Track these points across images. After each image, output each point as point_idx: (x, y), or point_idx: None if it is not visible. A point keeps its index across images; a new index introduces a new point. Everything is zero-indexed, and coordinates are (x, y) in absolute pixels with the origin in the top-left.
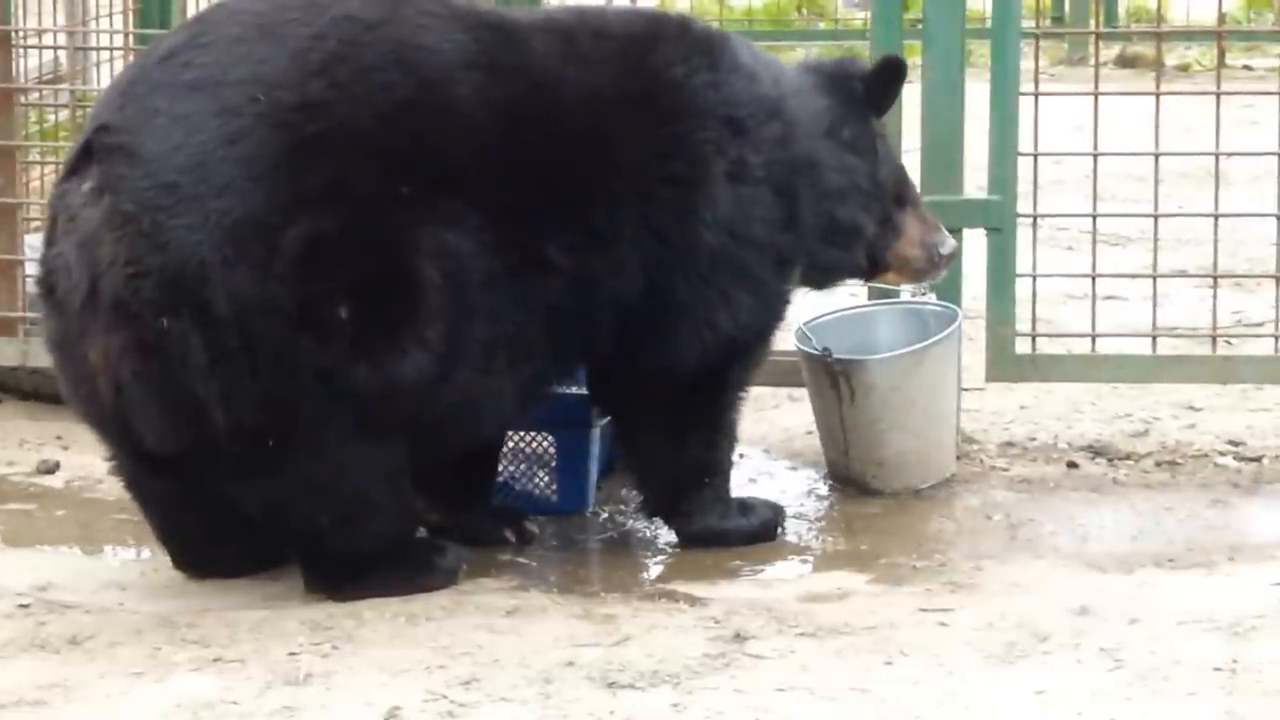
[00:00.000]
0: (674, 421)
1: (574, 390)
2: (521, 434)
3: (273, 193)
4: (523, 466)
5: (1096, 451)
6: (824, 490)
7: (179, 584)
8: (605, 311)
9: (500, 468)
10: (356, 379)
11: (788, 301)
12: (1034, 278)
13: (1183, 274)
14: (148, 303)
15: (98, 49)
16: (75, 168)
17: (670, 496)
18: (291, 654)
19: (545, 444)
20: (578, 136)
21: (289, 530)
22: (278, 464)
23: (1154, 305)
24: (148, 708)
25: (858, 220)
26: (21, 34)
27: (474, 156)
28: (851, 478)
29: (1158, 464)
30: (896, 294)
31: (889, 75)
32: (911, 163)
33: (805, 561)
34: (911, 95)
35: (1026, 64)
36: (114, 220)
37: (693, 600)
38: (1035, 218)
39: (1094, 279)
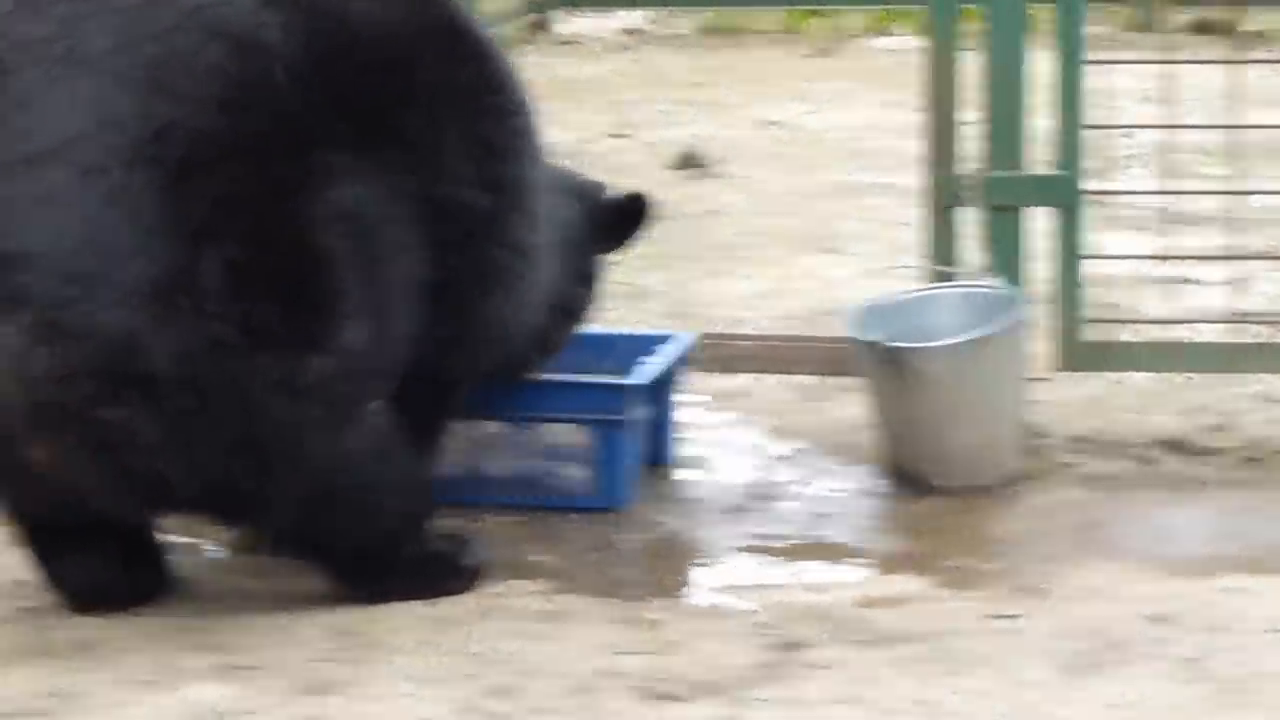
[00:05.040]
0: None
1: (610, 380)
2: (554, 426)
3: (171, 236)
4: (555, 461)
5: (1173, 447)
6: (881, 488)
7: (193, 587)
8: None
9: (532, 462)
10: (315, 373)
11: None
12: (1103, 260)
13: (1264, 255)
14: (92, 400)
15: None
16: None
17: None
18: (312, 661)
19: (580, 437)
20: (380, 60)
21: (304, 548)
22: (270, 498)
23: (1233, 289)
24: (160, 717)
25: None
26: None
27: (308, 98)
28: (910, 474)
29: (1240, 460)
30: (956, 277)
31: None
32: (972, 137)
33: (862, 564)
34: (973, 66)
35: (1094, 30)
36: (33, 332)
37: (742, 605)
38: (1104, 195)
39: (1167, 261)
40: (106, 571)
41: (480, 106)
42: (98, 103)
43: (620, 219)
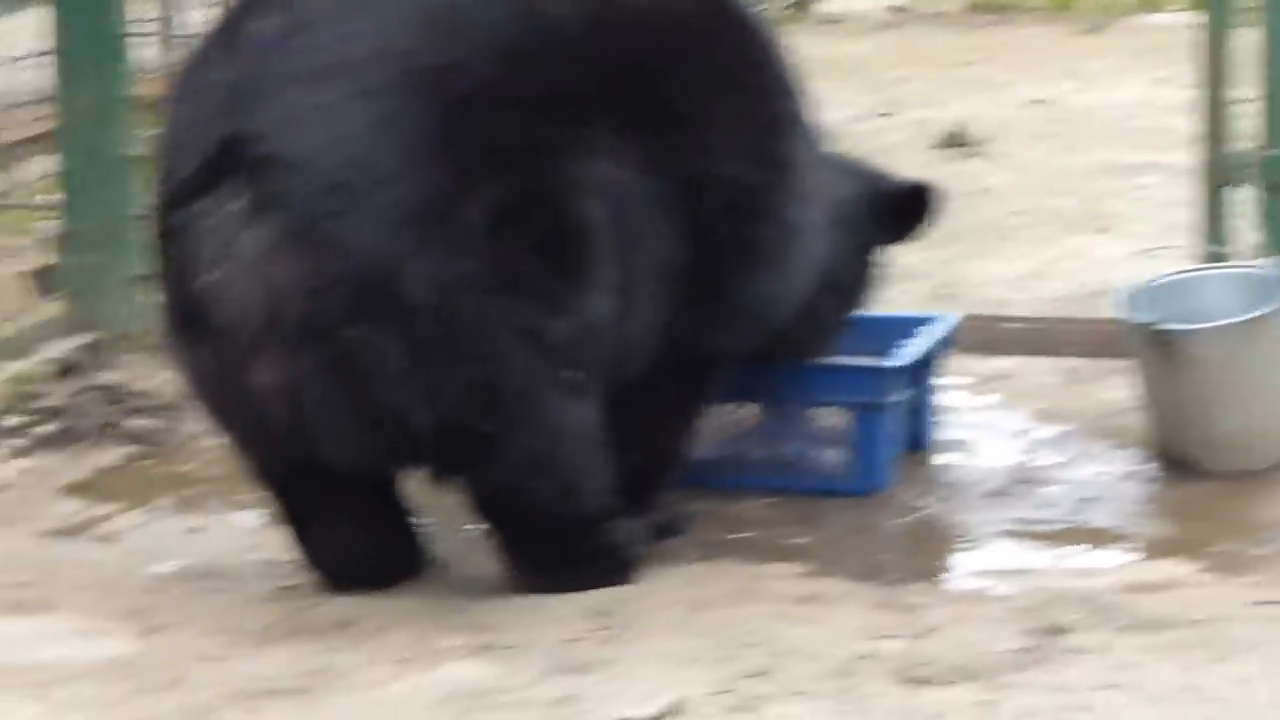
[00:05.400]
0: None
1: (870, 363)
2: (813, 409)
3: (442, 168)
4: (814, 444)
5: None
6: (1149, 472)
7: (449, 567)
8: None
9: (792, 445)
10: (559, 333)
11: None
12: None
13: None
14: (337, 316)
15: None
16: (207, 184)
17: None
18: (568, 641)
19: (839, 420)
20: (661, 49)
21: (505, 511)
22: (492, 449)
23: None
24: (416, 696)
25: None
26: None
27: (588, 77)
28: (1179, 458)
29: None
30: (1229, 257)
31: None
32: (1248, 115)
33: (1128, 549)
34: (1248, 43)
35: None
36: (286, 238)
37: (1003, 590)
38: None
39: None
40: (362, 551)
41: (752, 84)
42: (384, 34)
43: (905, 208)
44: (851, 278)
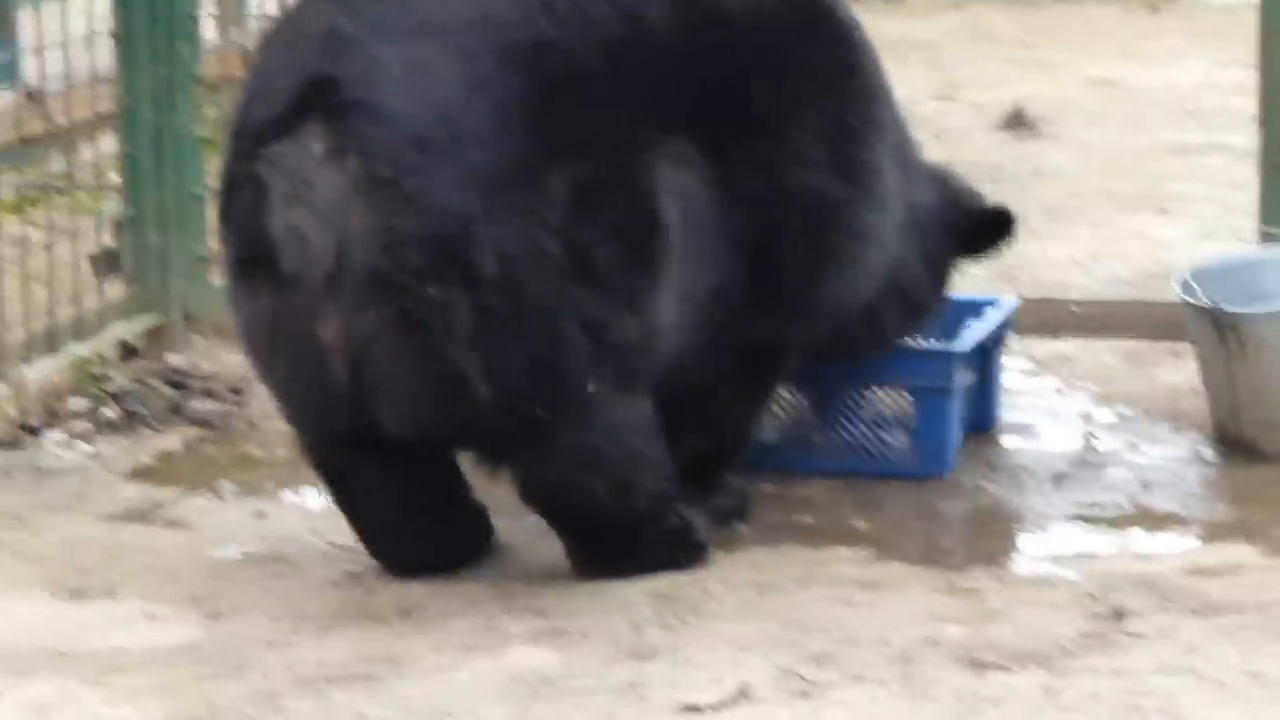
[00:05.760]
0: None
1: (935, 346)
2: (877, 392)
3: (530, 140)
4: (878, 427)
5: None
6: (1210, 455)
7: (514, 553)
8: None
9: (856, 429)
10: (624, 329)
11: None
12: None
13: None
14: (409, 271)
15: None
16: (288, 126)
17: None
18: (633, 626)
19: (903, 403)
20: (750, 52)
21: (559, 506)
22: (546, 436)
23: None
24: (482, 681)
25: None
26: None
27: (677, 86)
28: (1241, 441)
29: None
30: None
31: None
32: None
33: (1190, 533)
34: None
35: None
36: (365, 185)
37: (1066, 574)
38: None
39: None
40: (422, 535)
41: (841, 91)
42: (487, 3)
43: (982, 230)
44: (919, 287)
